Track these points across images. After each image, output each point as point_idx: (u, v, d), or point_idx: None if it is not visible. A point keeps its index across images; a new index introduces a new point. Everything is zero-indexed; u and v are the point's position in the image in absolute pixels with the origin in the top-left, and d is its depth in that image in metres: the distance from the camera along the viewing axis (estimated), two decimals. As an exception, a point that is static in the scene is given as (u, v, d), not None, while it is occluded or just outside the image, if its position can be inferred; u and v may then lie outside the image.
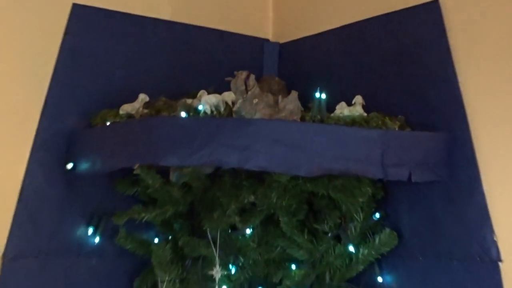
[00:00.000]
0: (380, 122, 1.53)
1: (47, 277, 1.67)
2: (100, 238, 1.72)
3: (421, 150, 1.51)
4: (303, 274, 1.62)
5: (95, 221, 1.73)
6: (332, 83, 1.79)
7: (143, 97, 1.67)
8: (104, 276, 1.76)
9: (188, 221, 1.73)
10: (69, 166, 1.67)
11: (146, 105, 1.65)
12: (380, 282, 1.66)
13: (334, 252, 1.63)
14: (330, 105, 1.57)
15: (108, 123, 1.63)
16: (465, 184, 1.54)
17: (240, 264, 1.67)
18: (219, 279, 1.60)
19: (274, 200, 1.59)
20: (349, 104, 1.61)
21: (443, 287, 1.56)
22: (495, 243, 1.47)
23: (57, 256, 1.68)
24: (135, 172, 1.53)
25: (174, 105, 1.54)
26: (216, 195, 1.62)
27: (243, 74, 1.53)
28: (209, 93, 1.57)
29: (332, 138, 1.41)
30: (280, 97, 1.53)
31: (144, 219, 1.63)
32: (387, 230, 1.60)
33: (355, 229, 1.62)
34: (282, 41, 2.16)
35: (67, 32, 1.74)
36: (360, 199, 1.57)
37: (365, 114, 1.58)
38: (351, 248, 1.62)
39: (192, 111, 1.50)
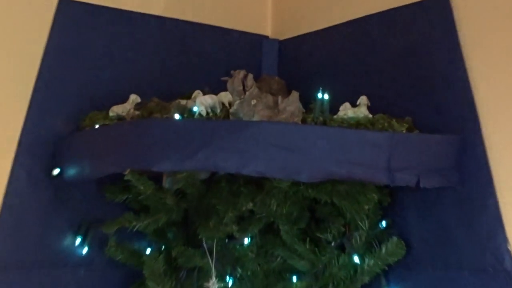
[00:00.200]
0: (386, 124, 1.53)
1: (32, 290, 1.66)
2: (89, 248, 1.73)
3: (430, 154, 1.51)
4: (305, 286, 1.62)
5: (83, 230, 1.73)
6: (335, 83, 1.79)
7: (134, 98, 1.67)
8: (93, 288, 1.76)
9: (183, 230, 1.72)
10: (56, 172, 1.67)
11: (137, 106, 1.65)
12: (386, 295, 1.66)
13: (338, 262, 1.63)
14: (333, 106, 1.57)
15: (97, 126, 1.63)
16: (477, 190, 1.54)
17: (238, 275, 1.66)
18: (216, 292, 1.60)
19: (274, 208, 1.58)
20: (354, 105, 1.61)
21: (453, 299, 1.56)
22: (509, 253, 1.47)
23: (43, 267, 1.68)
24: (125, 178, 1.52)
25: (167, 107, 1.54)
26: (212, 202, 1.61)
27: (241, 73, 1.53)
28: (204, 93, 1.57)
29: (335, 141, 1.41)
30: (280, 98, 1.53)
31: (136, 228, 1.62)
32: (394, 239, 1.60)
33: (360, 238, 1.62)
34: (282, 38, 2.16)
35: (53, 29, 1.74)
36: (366, 206, 1.57)
37: (371, 116, 1.58)
38: (356, 259, 1.62)
39: (187, 112, 1.51)
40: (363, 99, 1.61)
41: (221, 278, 1.61)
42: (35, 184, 1.67)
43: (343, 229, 1.64)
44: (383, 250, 1.59)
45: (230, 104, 1.52)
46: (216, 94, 1.55)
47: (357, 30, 1.90)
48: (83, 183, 1.69)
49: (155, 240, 1.74)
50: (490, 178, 1.52)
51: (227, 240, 1.65)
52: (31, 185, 1.67)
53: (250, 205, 1.59)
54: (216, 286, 1.59)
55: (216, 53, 2.05)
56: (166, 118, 1.49)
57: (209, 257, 1.61)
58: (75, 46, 1.78)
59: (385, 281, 1.66)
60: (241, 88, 1.52)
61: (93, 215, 1.74)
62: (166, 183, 1.65)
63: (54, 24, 1.75)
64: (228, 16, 2.11)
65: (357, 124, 1.54)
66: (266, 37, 2.19)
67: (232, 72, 1.54)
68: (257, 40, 2.16)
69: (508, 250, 1.47)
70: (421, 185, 1.47)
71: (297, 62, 2.08)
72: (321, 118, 1.52)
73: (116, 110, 1.65)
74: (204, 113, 1.51)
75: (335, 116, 1.57)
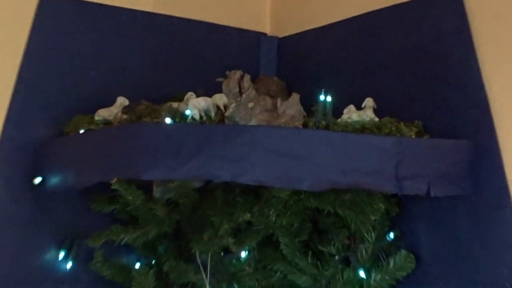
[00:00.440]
0: (394, 129, 1.54)
1: (12, 308, 1.67)
2: (73, 263, 1.73)
3: (441, 161, 1.50)
4: (307, 303, 1.62)
5: (67, 243, 1.73)
6: (338, 84, 1.80)
7: (122, 101, 1.68)
8: (77, 306, 1.77)
9: (174, 243, 1.73)
10: (37, 180, 1.67)
11: (125, 110, 1.66)
12: (395, 312, 1.66)
13: (342, 277, 1.63)
14: (337, 109, 1.57)
15: (81, 131, 1.63)
16: (491, 199, 1.53)
17: (234, 292, 1.66)
18: (210, 310, 1.60)
19: (273, 219, 1.58)
20: (359, 107, 1.62)
21: (467, 318, 1.57)
22: (527, 267, 1.47)
23: (24, 284, 1.68)
24: (113, 187, 1.52)
25: (157, 110, 1.56)
26: (207, 213, 1.62)
27: (237, 74, 1.53)
28: (197, 95, 1.58)
29: (339, 147, 1.40)
30: (279, 100, 1.54)
31: (124, 241, 1.62)
32: (403, 252, 1.60)
33: (366, 251, 1.62)
34: (281, 35, 2.17)
35: (34, 27, 1.74)
36: (372, 217, 1.57)
37: (377, 119, 1.59)
38: (361, 273, 1.62)
39: (178, 116, 1.51)
40: (368, 101, 1.62)
41: (216, 295, 1.61)
42: (14, 193, 1.68)
43: (347, 241, 1.65)
44: (391, 264, 1.59)
45: (226, 107, 1.53)
46: (210, 96, 1.56)
47: (362, 27, 1.91)
48: (67, 193, 1.68)
49: (144, 254, 1.75)
50: (506, 186, 1.51)
51: (222, 253, 1.65)
52: (11, 195, 1.67)
53: (247, 216, 1.59)
54: (211, 303, 1.60)
55: (210, 52, 2.05)
56: (156, 123, 1.50)
57: (203, 272, 1.62)
58: (57, 45, 1.79)
59: (393, 298, 1.66)
60: (237, 89, 1.52)
61: (77, 227, 1.74)
62: (156, 192, 1.65)
63: (35, 21, 1.75)
64: (223, 12, 2.12)
65: (362, 128, 1.54)
66: (265, 34, 2.20)
67: (227, 72, 1.54)
68: (255, 38, 2.17)
69: (526, 264, 1.47)
70: (432, 194, 1.46)
71: (298, 61, 2.09)
72: (323, 122, 1.52)
73: (102, 114, 1.66)
74: (197, 117, 1.51)
75: (338, 120, 1.58)
